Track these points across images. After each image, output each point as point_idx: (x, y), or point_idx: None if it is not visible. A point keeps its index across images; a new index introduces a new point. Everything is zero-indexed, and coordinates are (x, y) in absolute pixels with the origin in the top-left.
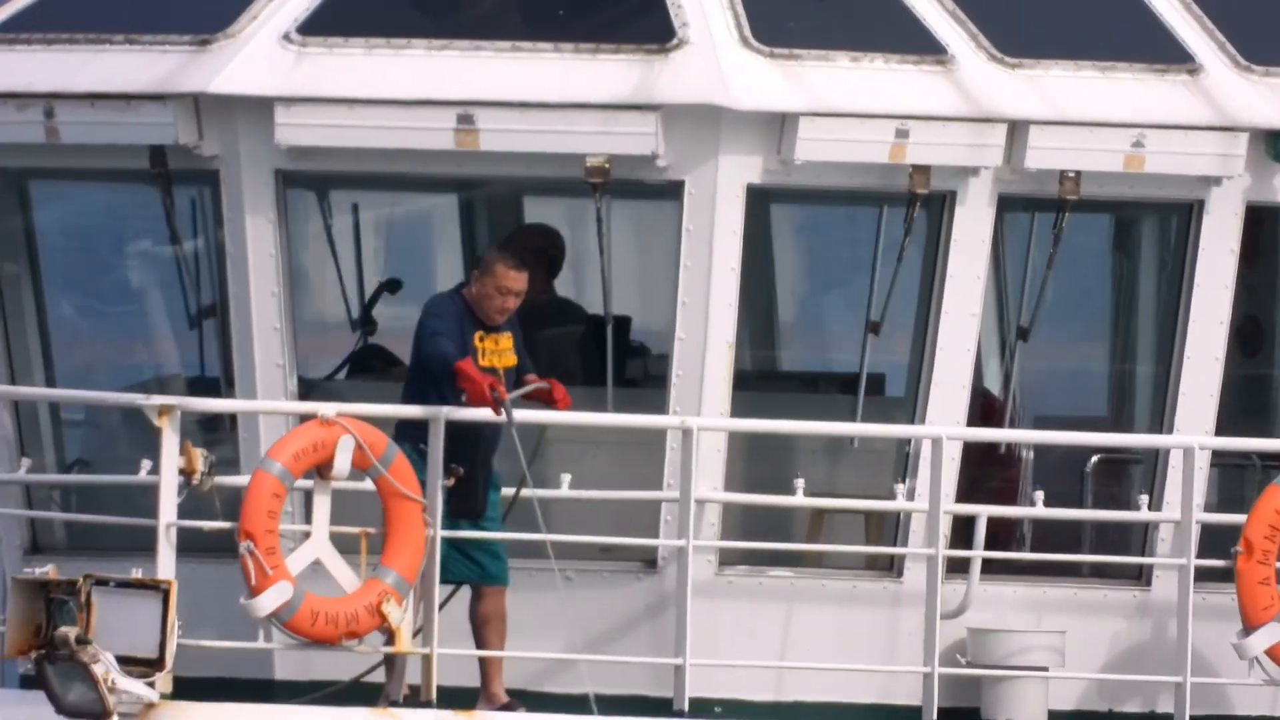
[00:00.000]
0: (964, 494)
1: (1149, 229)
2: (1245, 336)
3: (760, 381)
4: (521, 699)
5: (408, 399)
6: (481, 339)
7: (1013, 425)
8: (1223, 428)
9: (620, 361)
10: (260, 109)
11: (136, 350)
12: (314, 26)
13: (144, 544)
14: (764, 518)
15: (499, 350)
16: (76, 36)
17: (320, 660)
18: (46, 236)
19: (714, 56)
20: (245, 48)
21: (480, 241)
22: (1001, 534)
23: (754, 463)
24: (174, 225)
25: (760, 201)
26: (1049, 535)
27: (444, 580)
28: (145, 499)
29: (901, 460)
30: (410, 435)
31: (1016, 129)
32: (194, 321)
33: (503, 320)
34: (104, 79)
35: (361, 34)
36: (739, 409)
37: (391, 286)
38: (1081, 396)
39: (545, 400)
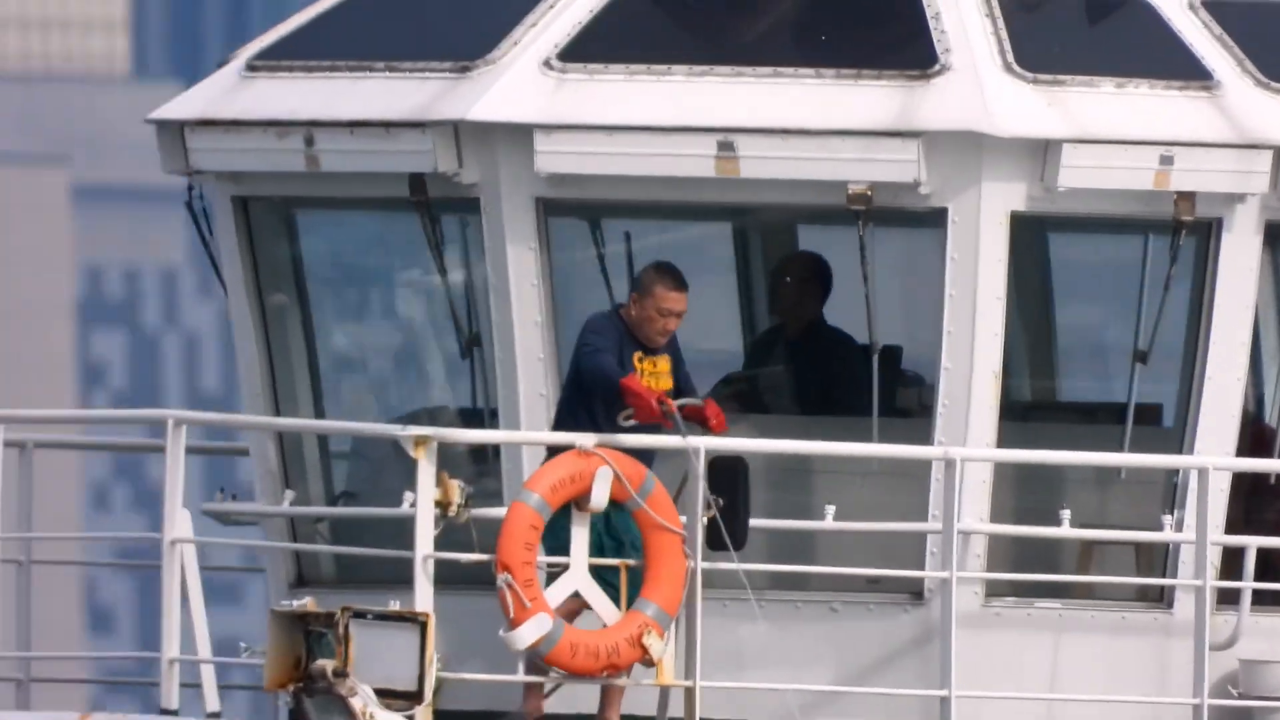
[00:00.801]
0: (1239, 525)
1: None
2: None
3: (1029, 412)
4: None
5: (558, 416)
6: (640, 360)
7: None
8: None
9: (890, 391)
10: (520, 136)
11: (406, 381)
12: (575, 53)
13: (409, 577)
14: (1033, 549)
15: (656, 373)
16: (338, 64)
17: (586, 693)
18: (314, 267)
19: (977, 83)
20: (505, 74)
21: (754, 269)
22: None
23: (1022, 493)
24: (437, 254)
25: (1028, 229)
26: None
27: None
28: (411, 532)
29: (1170, 491)
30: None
31: None
32: (464, 351)
33: (664, 342)
34: (364, 107)
35: (622, 60)
36: (1008, 439)
37: None
38: None
39: (699, 419)
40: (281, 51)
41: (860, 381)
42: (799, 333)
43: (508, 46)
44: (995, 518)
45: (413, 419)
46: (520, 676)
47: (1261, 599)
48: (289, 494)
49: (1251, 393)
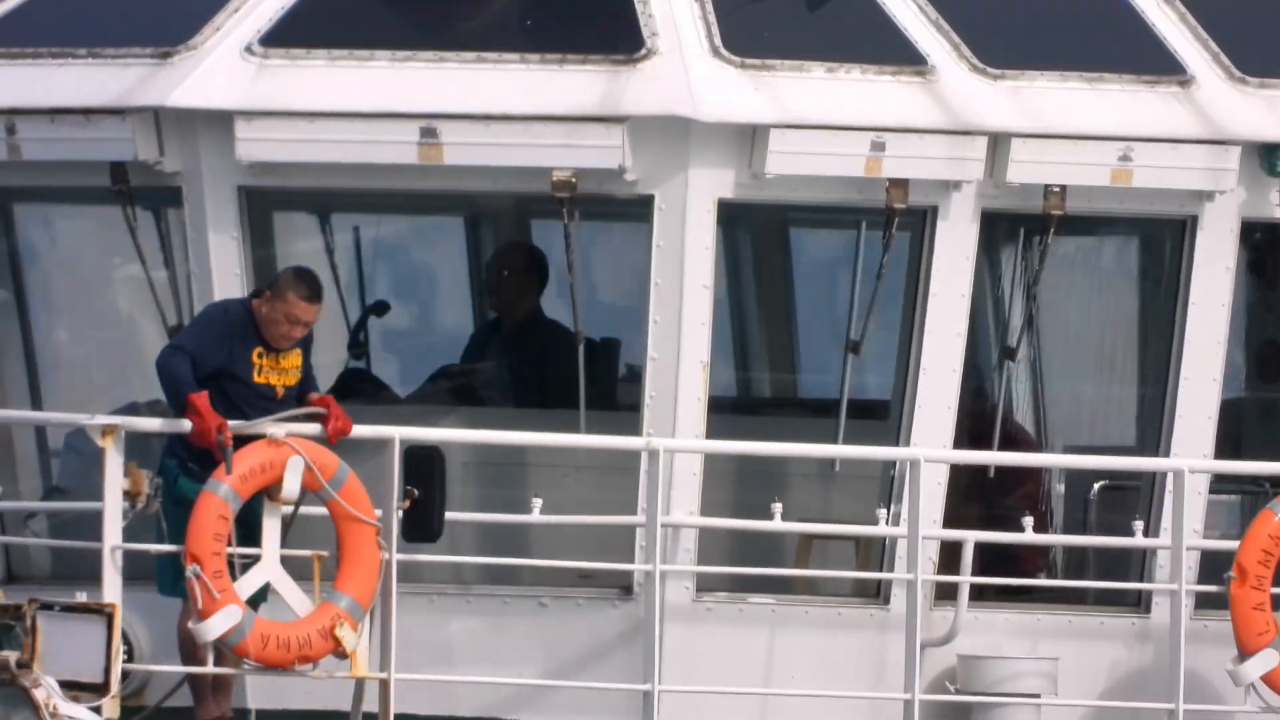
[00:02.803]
0: (971, 522)
1: (1140, 246)
2: (1264, 360)
3: (747, 405)
4: None
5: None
6: (261, 355)
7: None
8: (1243, 454)
9: (608, 385)
10: (221, 123)
11: (124, 374)
12: (277, 38)
13: (127, 574)
14: (751, 544)
15: (280, 368)
16: (40, 51)
17: (294, 688)
18: (30, 260)
19: (683, 67)
20: (206, 60)
21: (482, 261)
22: (1017, 562)
23: (740, 488)
24: (139, 245)
25: (739, 217)
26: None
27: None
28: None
29: (886, 485)
30: (178, 449)
31: (999, 142)
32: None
33: (286, 345)
34: (65, 94)
35: (325, 45)
36: (726, 433)
37: (379, 309)
38: (1106, 425)
39: (321, 423)
40: None
41: (572, 374)
42: (515, 325)
43: (210, 32)
44: (711, 513)
45: (132, 411)
46: (211, 669)
47: (987, 595)
48: None
49: (1000, 393)
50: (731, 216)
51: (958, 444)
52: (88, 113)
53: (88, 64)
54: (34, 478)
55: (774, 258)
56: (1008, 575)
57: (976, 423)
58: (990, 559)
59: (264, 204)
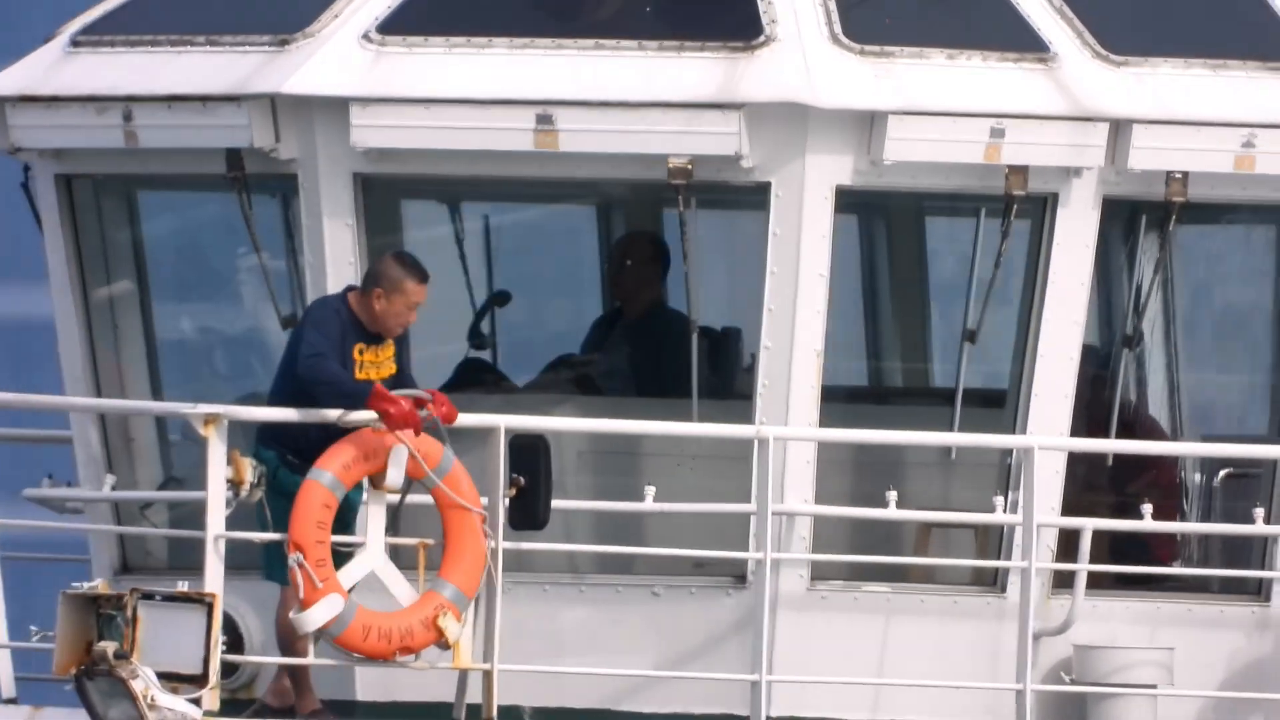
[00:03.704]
0: (1102, 509)
1: (1266, 232)
2: None
3: (856, 394)
4: (607, 719)
5: (277, 400)
6: (361, 352)
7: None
8: None
9: (728, 374)
10: (336, 110)
11: (244, 363)
12: (394, 25)
13: (237, 563)
14: (868, 533)
15: (378, 362)
16: (159, 38)
17: (404, 680)
18: (154, 248)
19: (801, 54)
20: (324, 47)
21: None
22: (1149, 550)
23: (857, 477)
24: (253, 232)
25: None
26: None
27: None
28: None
29: (1004, 473)
30: (277, 441)
31: (1120, 128)
32: (285, 326)
33: (400, 333)
34: (182, 80)
35: (442, 33)
36: (840, 421)
37: (501, 299)
38: (1237, 413)
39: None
40: (105, 26)
41: (696, 364)
42: (637, 315)
43: (328, 19)
44: (828, 502)
45: (252, 401)
46: (312, 660)
47: (1106, 582)
48: (109, 479)
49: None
50: (846, 203)
51: (1077, 432)
52: (204, 100)
53: (206, 51)
54: (152, 466)
55: (890, 245)
56: (1138, 564)
57: (1097, 410)
58: (1120, 547)
59: (389, 192)
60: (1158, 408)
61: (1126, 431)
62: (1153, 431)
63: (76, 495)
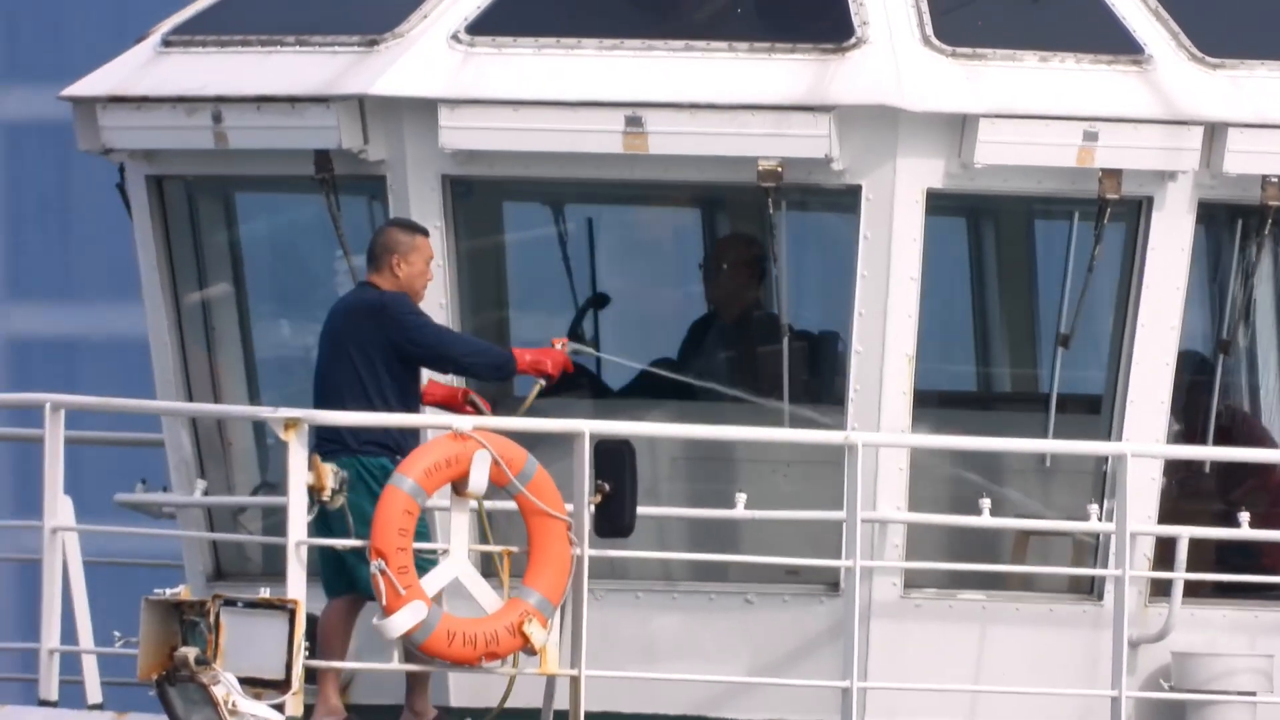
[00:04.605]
0: (1202, 517)
1: None
2: None
3: (949, 400)
4: None
5: (399, 401)
6: None
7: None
8: None
9: (826, 379)
10: (425, 111)
11: None
12: (483, 27)
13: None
14: (963, 540)
15: None
16: (249, 39)
17: (495, 686)
18: (250, 250)
19: (892, 56)
20: (412, 48)
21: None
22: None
23: (953, 484)
24: (341, 234)
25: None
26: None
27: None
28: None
29: (1100, 481)
30: (387, 447)
31: (1215, 132)
32: None
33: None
34: (272, 81)
35: (531, 34)
36: (939, 427)
37: (599, 302)
38: None
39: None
40: (196, 26)
41: (791, 369)
42: (733, 318)
43: (416, 20)
44: (923, 509)
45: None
46: (398, 666)
47: (1204, 590)
48: (200, 484)
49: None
50: (937, 206)
51: (1175, 439)
52: (293, 101)
53: (295, 52)
54: (249, 471)
55: (992, 249)
56: (1245, 572)
57: (1194, 417)
58: (1223, 555)
59: (491, 194)
60: (1263, 413)
61: (1225, 437)
62: (1253, 437)
63: (163, 499)
